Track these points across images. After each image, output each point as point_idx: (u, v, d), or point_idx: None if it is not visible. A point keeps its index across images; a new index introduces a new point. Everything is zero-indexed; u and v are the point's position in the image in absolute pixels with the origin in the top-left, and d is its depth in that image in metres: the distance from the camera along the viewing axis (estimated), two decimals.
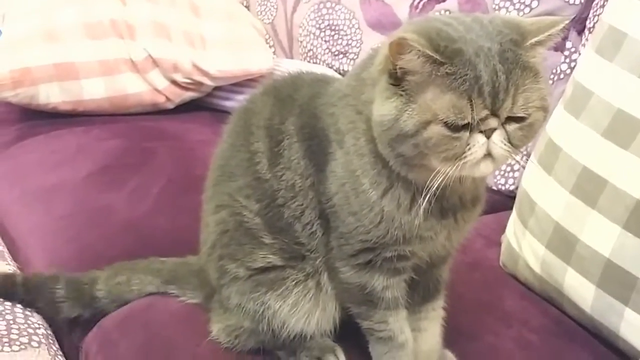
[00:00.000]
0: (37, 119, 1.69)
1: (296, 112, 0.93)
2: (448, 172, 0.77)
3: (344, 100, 0.88)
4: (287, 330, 0.96)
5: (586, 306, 1.07)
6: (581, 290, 1.07)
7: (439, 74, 0.75)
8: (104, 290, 1.12)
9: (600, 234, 1.04)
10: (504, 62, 0.75)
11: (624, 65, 1.04)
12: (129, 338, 1.05)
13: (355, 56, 1.81)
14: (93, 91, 1.70)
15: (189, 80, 1.77)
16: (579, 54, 1.37)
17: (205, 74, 1.76)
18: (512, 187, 1.45)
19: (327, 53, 1.85)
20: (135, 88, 1.74)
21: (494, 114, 0.76)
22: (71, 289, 1.11)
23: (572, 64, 1.39)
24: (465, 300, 1.12)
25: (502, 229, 1.28)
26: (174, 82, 1.77)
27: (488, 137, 0.76)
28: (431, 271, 0.97)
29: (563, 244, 1.10)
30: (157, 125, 1.72)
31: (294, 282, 0.94)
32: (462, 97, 0.75)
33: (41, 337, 1.04)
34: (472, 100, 0.75)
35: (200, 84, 1.79)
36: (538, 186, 1.17)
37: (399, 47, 0.75)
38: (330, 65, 1.85)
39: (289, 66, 1.84)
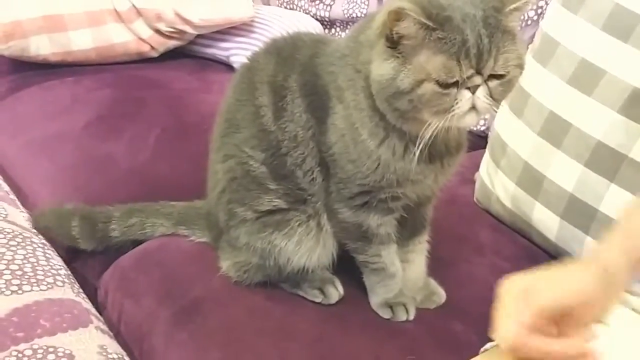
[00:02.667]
0: (28, 70, 1.72)
1: (298, 70, 1.01)
2: (438, 124, 0.88)
3: (343, 60, 0.97)
4: (292, 265, 1.07)
5: (552, 236, 1.19)
6: (547, 222, 1.19)
7: (431, 38, 0.85)
8: (117, 231, 1.21)
9: (565, 172, 1.15)
10: (487, 27, 0.85)
11: (587, 17, 1.13)
12: (145, 275, 1.14)
13: (332, 2, 1.86)
14: (81, 42, 1.73)
15: (172, 29, 1.80)
16: (546, 2, 1.46)
17: (188, 22, 1.79)
18: (483, 128, 1.55)
19: (305, 0, 1.90)
20: (121, 38, 1.78)
21: (479, 72, 0.86)
22: (85, 225, 1.20)
23: (539, 11, 1.48)
24: (443, 233, 1.21)
25: (475, 167, 1.38)
26: (158, 31, 1.81)
27: (473, 93, 0.87)
28: (418, 210, 1.09)
29: (531, 180, 1.21)
30: (144, 74, 1.77)
31: (297, 223, 1.05)
32: (452, 58, 0.85)
33: (64, 277, 1.13)
34: (460, 61, 0.85)
35: (183, 32, 1.82)
36: (509, 129, 1.27)
37: (396, 15, 0.85)
38: (307, 11, 1.91)
39: (268, 13, 1.89)
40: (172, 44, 1.85)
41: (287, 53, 1.04)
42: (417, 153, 0.92)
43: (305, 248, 1.06)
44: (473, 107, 0.88)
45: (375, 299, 1.09)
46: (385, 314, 1.08)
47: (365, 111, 0.95)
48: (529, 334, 0.75)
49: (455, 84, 0.86)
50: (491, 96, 0.88)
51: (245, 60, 1.10)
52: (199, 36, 1.87)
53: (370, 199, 1.00)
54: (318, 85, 0.99)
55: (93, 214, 1.22)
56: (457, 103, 0.87)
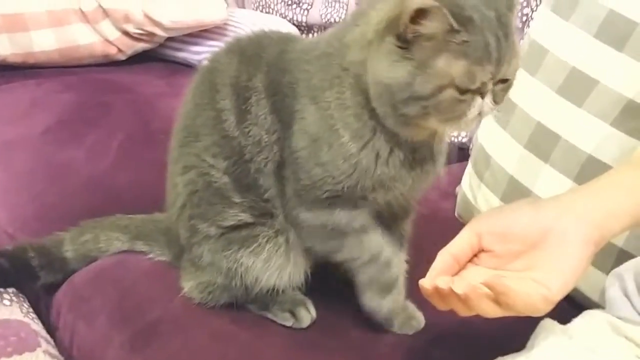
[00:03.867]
0: None
1: (264, 70, 0.94)
2: (446, 130, 0.84)
3: (324, 58, 0.90)
4: (260, 285, 0.99)
5: None
6: None
7: (454, 40, 0.78)
8: (71, 251, 1.12)
9: (553, 187, 1.08)
10: (502, 28, 0.80)
11: (580, 24, 1.07)
12: (100, 294, 1.06)
13: (309, 6, 1.80)
14: (43, 43, 1.66)
15: (140, 31, 1.74)
16: (530, 8, 1.40)
17: (157, 24, 1.73)
18: (464, 140, 1.49)
19: (280, 3, 1.84)
20: (86, 39, 1.71)
21: (493, 77, 0.81)
22: (41, 255, 1.11)
23: (524, 19, 1.42)
24: (423, 251, 1.14)
25: (456, 181, 1.32)
26: (126, 33, 1.74)
27: (482, 98, 0.82)
28: (395, 225, 1.01)
29: (517, 196, 1.14)
30: (110, 77, 1.70)
31: (265, 239, 0.97)
32: (475, 63, 0.79)
33: (12, 295, 1.05)
34: (483, 66, 0.79)
35: (153, 34, 1.76)
36: (494, 141, 1.21)
37: (419, 13, 0.77)
38: (283, 15, 1.85)
39: (242, 16, 1.83)
40: (141, 46, 1.79)
41: (251, 52, 0.97)
42: (401, 158, 0.88)
43: (275, 266, 0.98)
44: (479, 113, 0.83)
45: (367, 298, 0.99)
46: (382, 306, 0.99)
47: (351, 109, 0.87)
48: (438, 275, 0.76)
49: (472, 89, 0.81)
50: (494, 100, 0.83)
51: (205, 62, 1.02)
52: (169, 39, 1.81)
53: (334, 200, 0.93)
54: (284, 83, 0.92)
55: (44, 243, 1.13)
56: (469, 109, 0.82)
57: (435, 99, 0.80)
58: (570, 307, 1.06)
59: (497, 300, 0.74)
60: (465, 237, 0.82)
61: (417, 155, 0.90)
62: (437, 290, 0.77)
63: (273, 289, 1.00)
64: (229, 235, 0.98)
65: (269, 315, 1.02)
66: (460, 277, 0.80)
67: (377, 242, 0.96)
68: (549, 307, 0.74)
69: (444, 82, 0.79)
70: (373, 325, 1.01)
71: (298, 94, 0.91)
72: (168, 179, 1.04)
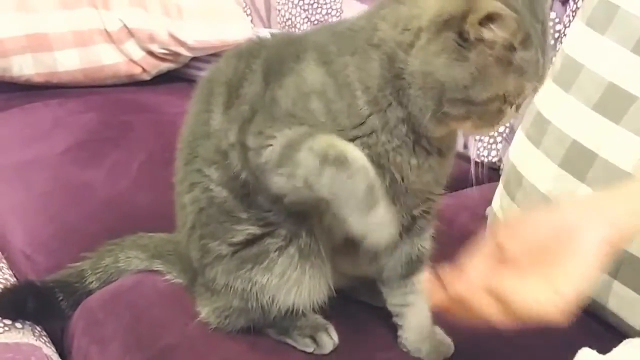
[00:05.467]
0: (10, 91, 1.64)
1: (263, 55, 0.91)
2: (476, 133, 0.86)
3: (347, 34, 0.86)
4: (278, 305, 0.94)
5: None
6: None
7: (514, 54, 0.77)
8: (95, 281, 1.10)
9: None
10: (546, 42, 0.79)
11: (616, 38, 1.03)
12: (115, 318, 1.02)
13: None
14: (67, 63, 1.65)
15: (165, 51, 1.74)
16: (563, 25, 1.36)
17: (182, 44, 1.73)
18: (494, 159, 1.44)
19: (306, 22, 1.81)
20: (111, 59, 1.70)
21: (535, 91, 0.81)
22: (68, 294, 1.08)
23: (556, 35, 1.38)
24: None
25: (487, 202, 1.28)
26: (150, 53, 1.73)
27: (513, 108, 0.82)
28: (411, 240, 0.96)
29: None
30: (134, 97, 1.69)
31: (276, 252, 0.92)
32: (527, 79, 0.78)
33: None
34: (532, 82, 0.79)
35: (177, 54, 1.75)
36: (526, 159, 1.16)
37: (490, 17, 0.75)
38: None
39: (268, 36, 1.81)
40: (165, 66, 1.78)
41: (252, 47, 0.94)
42: (405, 133, 0.85)
43: (291, 281, 0.93)
44: None
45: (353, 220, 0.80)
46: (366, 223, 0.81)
47: (375, 79, 0.83)
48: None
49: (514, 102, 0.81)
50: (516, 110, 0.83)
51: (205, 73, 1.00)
52: (194, 59, 1.80)
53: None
54: (287, 55, 0.88)
55: (68, 280, 1.10)
56: (504, 118, 0.82)
57: (484, 107, 0.79)
58: (610, 334, 1.01)
59: (503, 306, 0.71)
60: (485, 249, 0.78)
61: (424, 144, 0.86)
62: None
63: (293, 310, 0.95)
64: (241, 254, 0.94)
65: (289, 341, 0.97)
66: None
67: (332, 142, 0.83)
68: (561, 313, 0.70)
69: (499, 93, 0.78)
70: (398, 349, 0.97)
71: (303, 60, 0.86)
72: (176, 200, 1.01)
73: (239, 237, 0.93)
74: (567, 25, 1.33)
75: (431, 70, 0.79)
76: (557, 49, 1.27)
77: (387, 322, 1.00)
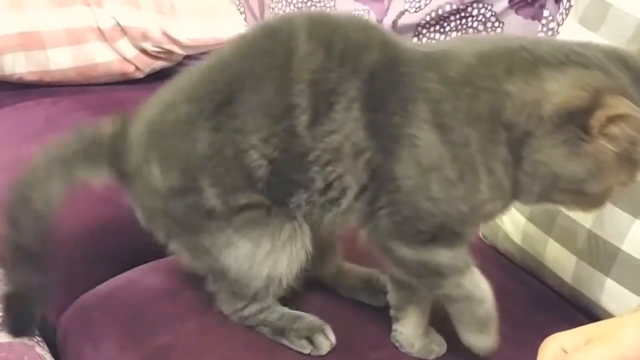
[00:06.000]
0: (2, 90, 1.63)
1: (363, 76, 0.82)
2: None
3: (467, 86, 0.80)
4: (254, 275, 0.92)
5: (567, 277, 1.07)
6: (562, 261, 1.08)
7: (636, 150, 0.76)
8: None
9: None
10: None
11: (609, 36, 1.03)
12: (108, 317, 1.02)
13: None
14: (60, 61, 1.64)
15: (159, 49, 1.72)
16: (557, 23, 1.36)
17: (175, 42, 1.72)
18: None
19: None
20: (104, 57, 1.69)
21: None
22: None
23: (549, 33, 1.38)
24: None
25: None
26: (144, 51, 1.72)
27: None
28: None
29: (544, 215, 1.10)
30: (126, 95, 1.66)
31: (267, 224, 0.91)
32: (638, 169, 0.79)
33: None
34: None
35: (171, 52, 1.74)
36: None
37: (620, 116, 0.74)
38: None
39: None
40: (159, 64, 1.77)
41: (343, 47, 0.84)
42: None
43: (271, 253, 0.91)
44: None
45: (466, 333, 0.92)
46: (481, 341, 0.92)
47: (500, 162, 0.80)
48: None
49: None
50: None
51: (271, 24, 0.91)
52: (188, 57, 1.78)
53: (441, 234, 0.85)
54: (394, 99, 0.81)
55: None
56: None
57: (595, 197, 0.79)
58: None
59: None
60: None
61: None
62: None
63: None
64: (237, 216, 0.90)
65: (285, 342, 0.96)
66: None
67: (474, 281, 0.90)
68: None
69: (613, 184, 0.78)
70: (392, 347, 0.97)
71: (413, 116, 0.80)
72: (168, 108, 0.93)
73: (242, 200, 0.89)
74: (560, 23, 1.33)
75: (547, 161, 0.78)
76: None
77: (381, 322, 1.00)
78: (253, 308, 0.96)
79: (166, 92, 0.96)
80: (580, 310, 1.08)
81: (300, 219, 0.90)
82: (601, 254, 1.02)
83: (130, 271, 1.10)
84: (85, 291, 1.10)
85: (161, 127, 0.92)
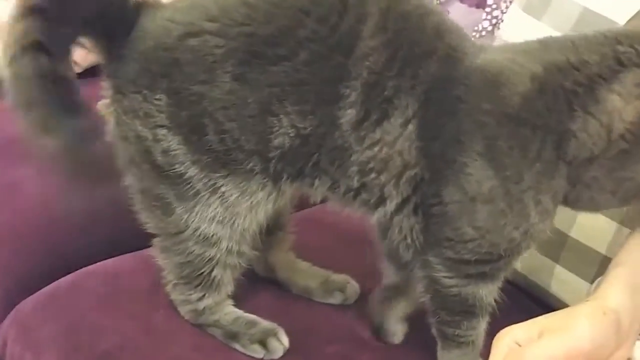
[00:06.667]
0: None
1: (420, 96, 0.76)
2: None
3: (523, 126, 0.75)
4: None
5: (518, 265, 1.07)
6: None
7: None
8: None
9: None
10: None
11: (552, 24, 1.04)
12: (51, 323, 0.97)
13: None
14: None
15: None
16: (501, 11, 1.36)
17: None
18: None
19: None
20: None
21: None
22: None
23: (494, 21, 1.38)
24: None
25: None
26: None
27: None
28: None
29: None
30: None
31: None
32: None
33: None
34: None
35: None
36: None
37: None
38: None
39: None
40: (95, 59, 1.70)
41: (407, 52, 0.77)
42: None
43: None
44: None
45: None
46: None
47: (551, 195, 0.79)
48: None
49: None
50: None
51: None
52: None
53: (490, 269, 0.83)
54: (450, 129, 0.77)
55: None
56: None
57: None
58: None
59: None
60: None
61: None
62: None
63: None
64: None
65: (237, 347, 0.93)
66: None
67: (483, 328, 0.87)
68: None
69: None
70: (347, 341, 0.96)
71: (468, 147, 0.76)
72: None
73: (239, 160, 0.82)
74: (504, 11, 1.33)
75: (630, 175, 0.77)
76: (495, 35, 1.28)
77: (334, 316, 0.99)
78: (209, 301, 0.93)
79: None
80: (534, 300, 1.08)
81: (276, 187, 0.85)
82: (550, 241, 1.02)
83: (70, 275, 1.05)
84: (25, 297, 1.04)
85: (180, 54, 0.81)
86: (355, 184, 0.81)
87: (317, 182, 0.83)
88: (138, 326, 0.95)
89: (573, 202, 0.81)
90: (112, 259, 1.09)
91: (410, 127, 0.77)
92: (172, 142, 0.83)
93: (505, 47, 0.82)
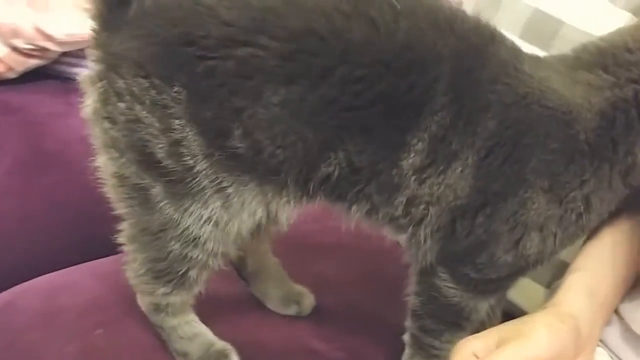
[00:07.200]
0: None
1: (480, 149, 0.75)
2: None
3: (589, 158, 0.76)
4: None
5: None
6: None
7: None
8: None
9: None
10: None
11: (504, 24, 1.01)
12: None
13: None
14: None
15: (31, 46, 1.59)
16: None
17: (49, 38, 1.59)
18: None
19: None
20: None
21: None
22: None
23: None
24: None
25: None
26: (15, 49, 1.58)
27: None
28: None
29: None
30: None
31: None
32: None
33: None
34: None
35: (45, 49, 1.61)
36: None
37: None
38: None
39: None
40: (33, 63, 1.63)
41: (471, 108, 0.75)
42: None
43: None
44: None
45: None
46: None
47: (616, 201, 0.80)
48: None
49: None
50: None
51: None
52: (64, 54, 1.66)
53: (508, 284, 0.84)
54: (511, 170, 0.75)
55: None
56: None
57: None
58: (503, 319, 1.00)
59: None
60: None
61: None
62: None
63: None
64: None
65: None
66: None
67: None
68: None
69: None
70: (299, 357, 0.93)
71: (532, 183, 0.75)
72: None
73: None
74: None
75: None
76: None
77: (286, 330, 0.97)
78: (176, 299, 0.86)
79: None
80: None
81: (301, 201, 0.80)
82: None
83: (5, 292, 1.00)
84: None
85: (220, 61, 0.72)
86: (398, 212, 0.79)
87: (355, 207, 0.79)
88: (77, 347, 0.90)
89: None
90: (49, 274, 1.03)
91: (468, 170, 0.75)
92: (189, 133, 0.75)
93: (552, 64, 0.80)
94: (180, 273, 0.83)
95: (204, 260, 0.82)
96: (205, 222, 0.78)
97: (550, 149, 0.75)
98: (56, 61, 1.67)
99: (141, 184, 0.79)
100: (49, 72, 1.68)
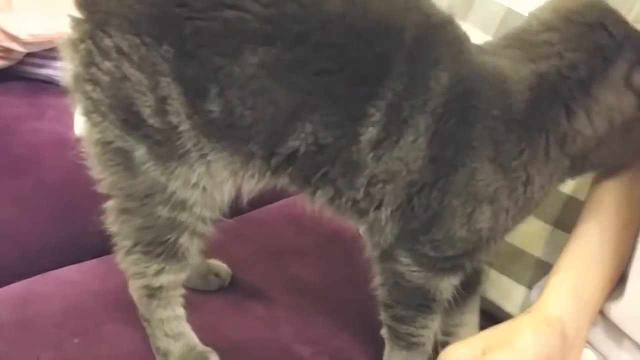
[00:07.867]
0: None
1: (432, 113, 0.78)
2: None
3: (530, 129, 0.80)
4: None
5: None
6: None
7: None
8: None
9: None
10: None
11: (477, 24, 1.04)
12: None
13: None
14: None
15: None
16: None
17: (14, 39, 1.56)
18: None
19: None
20: None
21: None
22: None
23: None
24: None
25: None
26: None
27: None
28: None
29: None
30: None
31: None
32: None
33: None
34: None
35: (9, 50, 1.58)
36: None
37: None
38: None
39: None
40: None
41: (422, 71, 0.78)
42: None
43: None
44: None
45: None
46: None
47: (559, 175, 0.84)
48: None
49: None
50: None
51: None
52: (29, 55, 1.63)
53: (465, 262, 0.84)
54: (461, 138, 0.79)
55: None
56: None
57: None
58: (486, 323, 1.00)
59: None
60: None
61: None
62: None
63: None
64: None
65: None
66: None
67: (435, 329, 0.88)
68: None
69: None
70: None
71: (477, 152, 0.78)
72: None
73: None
74: None
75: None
76: None
77: (266, 333, 0.96)
78: (168, 277, 0.85)
79: None
80: None
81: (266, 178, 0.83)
82: None
83: None
84: None
85: (208, 22, 0.76)
86: (360, 195, 0.81)
87: (320, 192, 0.82)
88: (53, 357, 0.87)
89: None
90: (18, 282, 1.01)
91: (421, 139, 0.78)
92: (174, 92, 0.77)
93: (493, 47, 0.84)
94: (169, 241, 0.83)
95: (193, 225, 0.83)
96: (193, 186, 0.80)
97: (492, 115, 0.78)
98: (21, 62, 1.64)
99: (124, 147, 0.80)
100: (13, 74, 1.65)
